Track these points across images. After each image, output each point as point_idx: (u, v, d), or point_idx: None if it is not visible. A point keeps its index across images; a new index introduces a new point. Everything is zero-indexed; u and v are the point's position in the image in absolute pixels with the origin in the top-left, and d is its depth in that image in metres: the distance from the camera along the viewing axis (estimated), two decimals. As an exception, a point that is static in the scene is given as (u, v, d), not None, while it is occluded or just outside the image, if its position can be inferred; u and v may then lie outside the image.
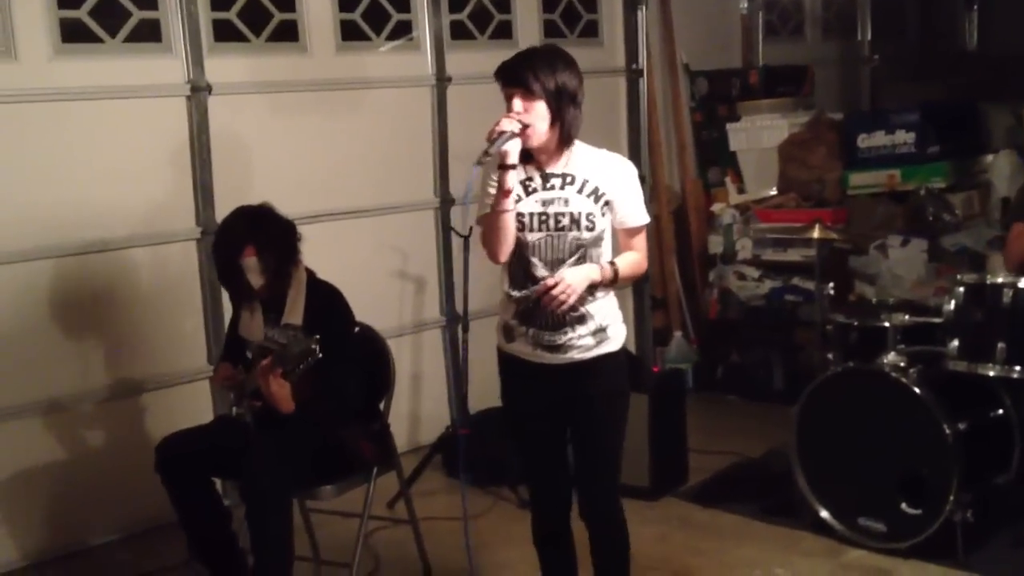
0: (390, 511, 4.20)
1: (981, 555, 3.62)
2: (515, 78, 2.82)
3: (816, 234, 4.20)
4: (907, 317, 3.82)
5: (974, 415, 3.69)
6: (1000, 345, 3.56)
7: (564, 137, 2.86)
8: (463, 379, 4.69)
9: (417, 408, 5.10)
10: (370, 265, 4.87)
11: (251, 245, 3.21)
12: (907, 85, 6.74)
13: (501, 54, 5.05)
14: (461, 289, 4.73)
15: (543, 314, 2.84)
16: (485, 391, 4.65)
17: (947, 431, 3.53)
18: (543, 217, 2.83)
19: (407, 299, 5.05)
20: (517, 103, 2.79)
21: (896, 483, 3.67)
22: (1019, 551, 3.67)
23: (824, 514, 3.84)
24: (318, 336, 3.03)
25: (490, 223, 2.83)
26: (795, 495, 3.94)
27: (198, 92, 4.26)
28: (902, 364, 3.74)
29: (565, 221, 2.83)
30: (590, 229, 2.84)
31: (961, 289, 3.69)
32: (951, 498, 3.52)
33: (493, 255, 2.87)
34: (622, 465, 3.04)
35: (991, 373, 3.61)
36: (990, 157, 5.62)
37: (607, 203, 2.86)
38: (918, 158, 5.45)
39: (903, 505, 3.66)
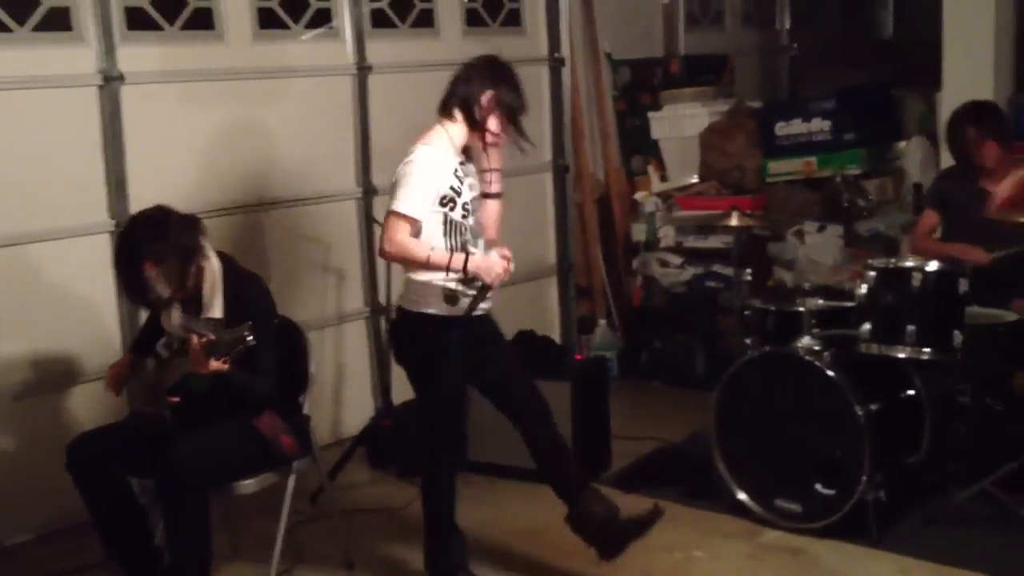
0: (311, 506, 4.16)
1: (893, 533, 3.71)
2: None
3: (734, 221, 4.26)
4: (821, 301, 3.90)
5: (886, 396, 3.79)
6: (910, 327, 3.65)
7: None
8: (387, 370, 4.70)
9: (341, 400, 5.07)
10: (291, 256, 4.82)
11: (150, 259, 3.11)
12: (825, 73, 6.83)
13: (422, 43, 5.22)
14: (384, 279, 4.73)
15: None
16: (408, 383, 4.66)
17: (859, 412, 3.61)
18: (475, 201, 3.29)
19: (330, 290, 5.01)
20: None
21: (811, 464, 3.74)
22: (930, 529, 3.76)
23: (742, 496, 3.91)
24: (250, 323, 3.02)
25: (428, 263, 3.17)
26: (715, 478, 3.99)
27: (110, 82, 4.16)
28: (816, 347, 3.81)
29: (476, 199, 3.31)
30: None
31: (873, 273, 3.77)
32: (864, 478, 3.60)
33: (397, 263, 3.34)
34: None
35: (902, 355, 3.70)
36: (903, 143, 5.74)
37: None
38: (834, 145, 5.55)
39: (818, 486, 3.73)
